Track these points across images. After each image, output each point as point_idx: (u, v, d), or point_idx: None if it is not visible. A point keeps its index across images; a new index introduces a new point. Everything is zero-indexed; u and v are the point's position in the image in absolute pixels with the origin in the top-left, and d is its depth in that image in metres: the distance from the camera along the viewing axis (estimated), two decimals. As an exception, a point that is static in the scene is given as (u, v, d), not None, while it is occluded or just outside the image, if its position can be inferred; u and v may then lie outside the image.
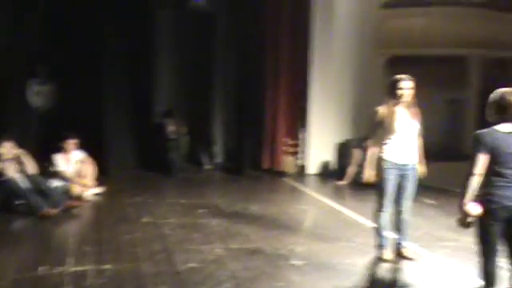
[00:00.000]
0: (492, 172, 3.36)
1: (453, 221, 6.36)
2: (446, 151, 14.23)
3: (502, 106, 3.42)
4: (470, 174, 3.35)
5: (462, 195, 3.34)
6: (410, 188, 4.72)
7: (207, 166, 10.21)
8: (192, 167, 10.03)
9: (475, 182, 3.33)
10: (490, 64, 13.58)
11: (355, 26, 9.98)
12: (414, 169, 4.69)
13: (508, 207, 3.32)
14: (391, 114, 4.55)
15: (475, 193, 3.37)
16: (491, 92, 3.51)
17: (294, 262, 4.70)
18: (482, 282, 3.50)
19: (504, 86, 3.47)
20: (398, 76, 4.56)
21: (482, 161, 3.34)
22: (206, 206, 6.83)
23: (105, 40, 9.05)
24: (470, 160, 3.38)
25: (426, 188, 6.98)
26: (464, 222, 3.39)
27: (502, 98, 3.43)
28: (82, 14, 8.60)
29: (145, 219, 6.05)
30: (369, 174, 4.70)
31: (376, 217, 4.80)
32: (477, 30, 12.86)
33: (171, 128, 9.58)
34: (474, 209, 3.32)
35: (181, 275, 4.26)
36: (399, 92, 4.52)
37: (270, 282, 4.19)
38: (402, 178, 4.66)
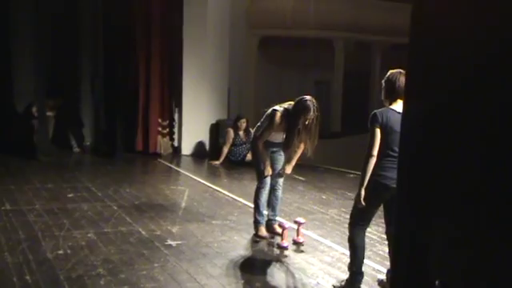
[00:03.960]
0: (382, 152, 3.52)
1: (321, 195, 6.76)
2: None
3: (393, 89, 3.57)
4: (368, 155, 3.51)
5: (362, 178, 3.52)
6: (281, 162, 4.96)
7: (76, 149, 9.71)
8: (59, 150, 9.47)
9: (372, 164, 3.50)
10: (355, 47, 14.45)
11: (227, 6, 10.04)
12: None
13: (392, 187, 3.46)
14: (282, 126, 4.71)
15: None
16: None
17: (169, 242, 4.67)
18: (352, 250, 3.73)
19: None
20: (308, 104, 4.53)
21: (379, 136, 3.50)
22: (75, 190, 6.51)
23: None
24: (369, 139, 3.54)
25: (296, 165, 7.27)
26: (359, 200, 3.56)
27: (395, 81, 3.56)
28: None
29: (6, 207, 5.61)
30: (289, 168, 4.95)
31: (257, 194, 4.91)
32: (343, 14, 13.54)
33: (35, 109, 8.94)
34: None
35: (50, 263, 4.03)
36: (303, 120, 4.56)
37: (146, 263, 4.12)
38: (274, 153, 4.92)
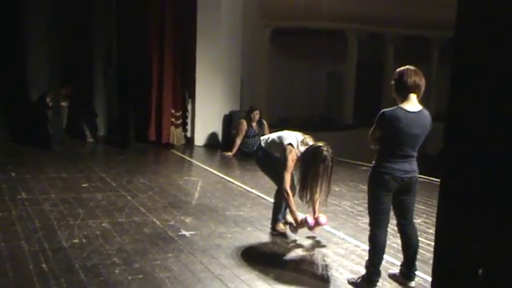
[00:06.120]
0: (388, 149, 3.51)
1: (334, 187, 6.74)
2: (327, 121, 14.98)
3: (402, 85, 3.49)
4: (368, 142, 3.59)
5: None
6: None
7: (90, 139, 9.78)
8: (73, 140, 9.55)
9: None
10: (368, 38, 14.37)
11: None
12: None
13: (399, 178, 3.52)
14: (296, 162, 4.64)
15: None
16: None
17: (183, 232, 4.70)
18: (371, 250, 3.67)
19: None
20: (325, 154, 4.42)
21: (377, 136, 3.54)
22: (89, 180, 6.56)
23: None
24: (370, 132, 3.57)
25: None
26: None
27: (402, 76, 3.49)
28: None
29: (22, 195, 5.68)
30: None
31: (280, 200, 4.82)
32: (357, 5, 13.46)
33: (49, 99, 9.00)
34: None
35: (65, 251, 4.07)
36: (317, 168, 4.44)
37: (160, 253, 4.16)
38: None
